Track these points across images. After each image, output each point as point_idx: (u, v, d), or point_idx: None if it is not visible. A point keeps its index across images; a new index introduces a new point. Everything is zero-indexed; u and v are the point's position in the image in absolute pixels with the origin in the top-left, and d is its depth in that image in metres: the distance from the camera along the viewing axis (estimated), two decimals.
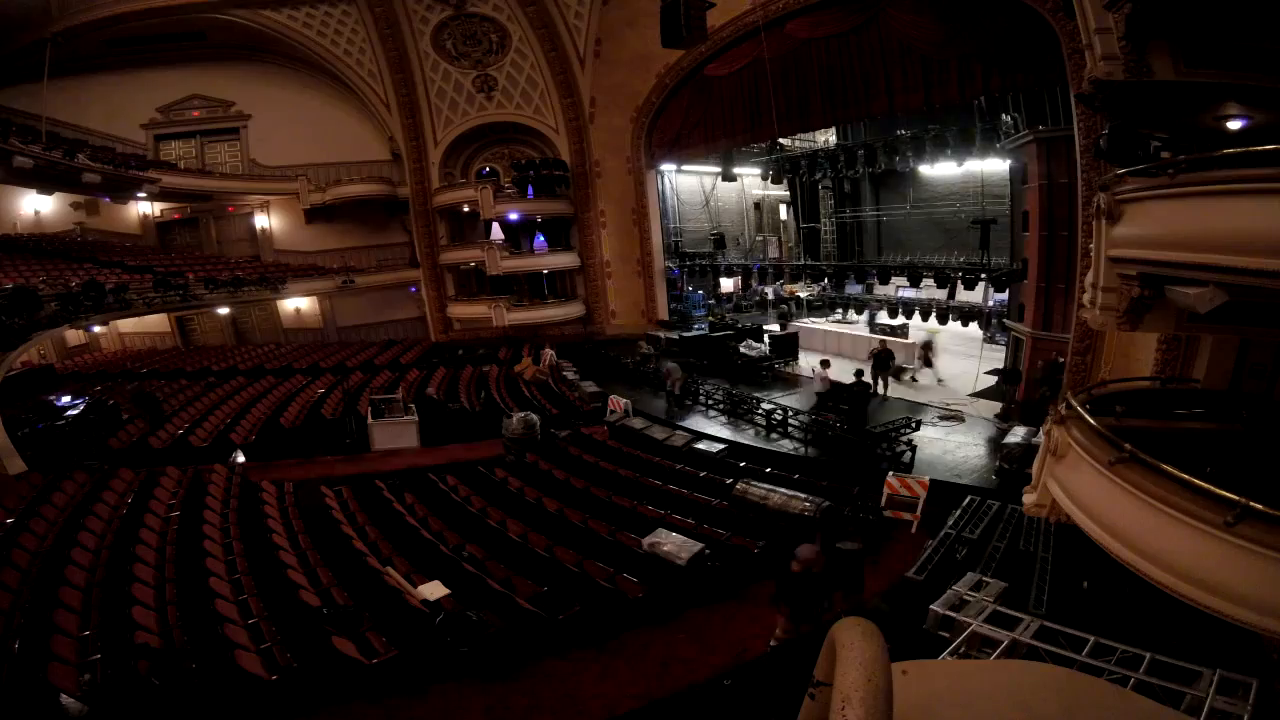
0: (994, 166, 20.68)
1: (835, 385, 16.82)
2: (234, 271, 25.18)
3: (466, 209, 27.77)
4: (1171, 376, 9.08)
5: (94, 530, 10.15)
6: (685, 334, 23.62)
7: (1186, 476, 4.55)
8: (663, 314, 27.59)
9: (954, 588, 7.73)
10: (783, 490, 11.40)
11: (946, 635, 7.02)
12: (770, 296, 30.73)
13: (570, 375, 22.04)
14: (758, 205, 33.18)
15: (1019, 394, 15.95)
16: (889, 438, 13.63)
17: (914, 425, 14.27)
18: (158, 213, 27.15)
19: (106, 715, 6.38)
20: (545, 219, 27.80)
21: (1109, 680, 5.53)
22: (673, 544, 9.72)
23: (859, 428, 14.29)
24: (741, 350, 21.74)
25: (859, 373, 16.31)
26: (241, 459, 15.21)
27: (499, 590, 8.81)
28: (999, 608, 7.16)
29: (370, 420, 16.88)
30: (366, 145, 28.17)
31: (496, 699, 7.32)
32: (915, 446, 13.48)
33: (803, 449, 14.68)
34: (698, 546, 9.62)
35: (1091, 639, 6.37)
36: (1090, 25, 8.93)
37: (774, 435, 15.64)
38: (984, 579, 7.95)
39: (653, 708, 7.17)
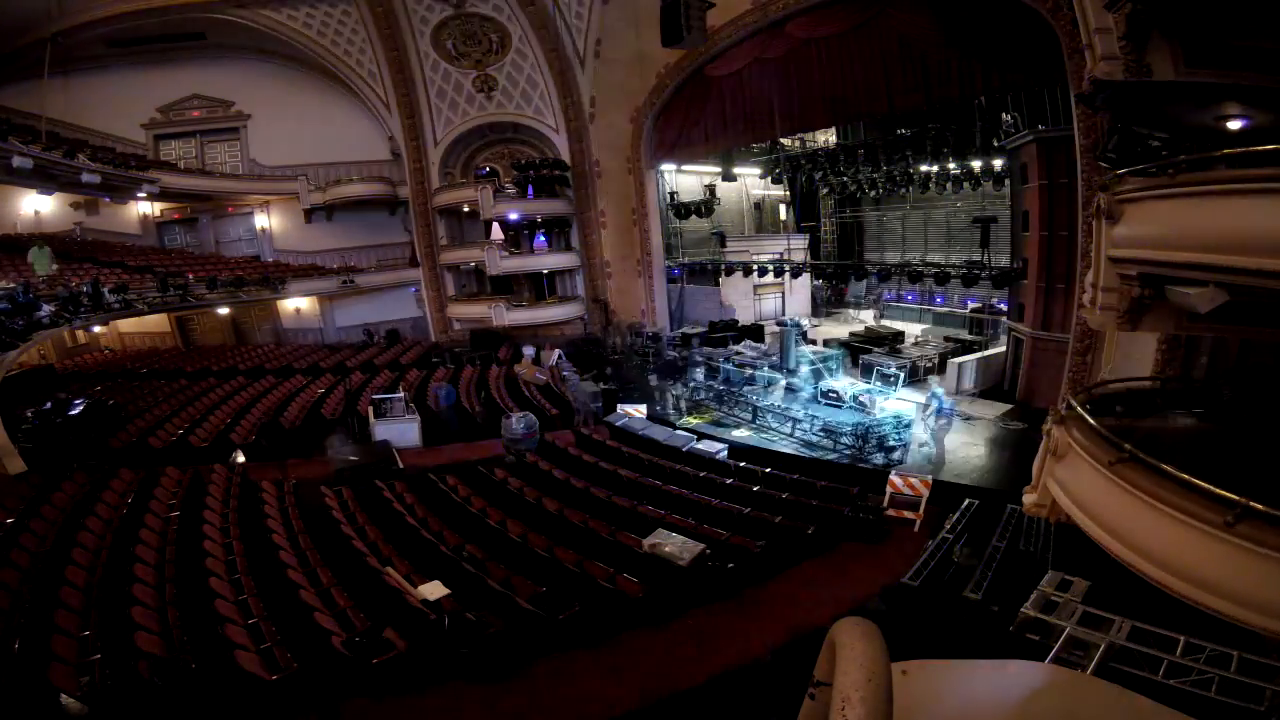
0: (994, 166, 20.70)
1: None
2: (234, 271, 25.17)
3: (466, 209, 27.76)
4: (1172, 376, 9.08)
5: (94, 530, 10.14)
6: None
7: (1186, 476, 4.56)
8: (662, 314, 27.51)
9: (1040, 588, 7.62)
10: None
11: (1035, 638, 6.95)
12: None
13: (570, 375, 22.04)
14: (758, 205, 33.20)
15: (1019, 392, 15.98)
16: (881, 434, 13.74)
17: (906, 423, 14.36)
18: (158, 212, 27.14)
19: (106, 715, 6.38)
20: (545, 219, 27.79)
21: (1199, 679, 5.53)
22: (674, 545, 9.73)
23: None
24: (740, 350, 21.76)
25: None
26: (241, 459, 15.21)
27: (499, 590, 8.81)
28: (1088, 608, 7.06)
29: (371, 420, 16.88)
30: (366, 145, 28.15)
31: (496, 699, 7.32)
32: (907, 444, 13.59)
33: (800, 447, 14.71)
34: (699, 547, 9.62)
35: (1182, 639, 6.32)
36: (1090, 25, 8.93)
37: (770, 431, 15.67)
38: (1067, 578, 7.83)
39: (653, 708, 7.17)
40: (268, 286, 25.48)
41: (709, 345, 22.88)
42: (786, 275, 24.21)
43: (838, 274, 25.33)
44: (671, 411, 18.22)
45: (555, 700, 7.32)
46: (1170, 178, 5.63)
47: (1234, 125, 7.52)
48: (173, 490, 12.39)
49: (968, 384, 18.06)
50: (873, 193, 25.95)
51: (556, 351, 24.38)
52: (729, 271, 26.15)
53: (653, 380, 21.24)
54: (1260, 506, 4.11)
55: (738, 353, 21.39)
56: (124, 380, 21.06)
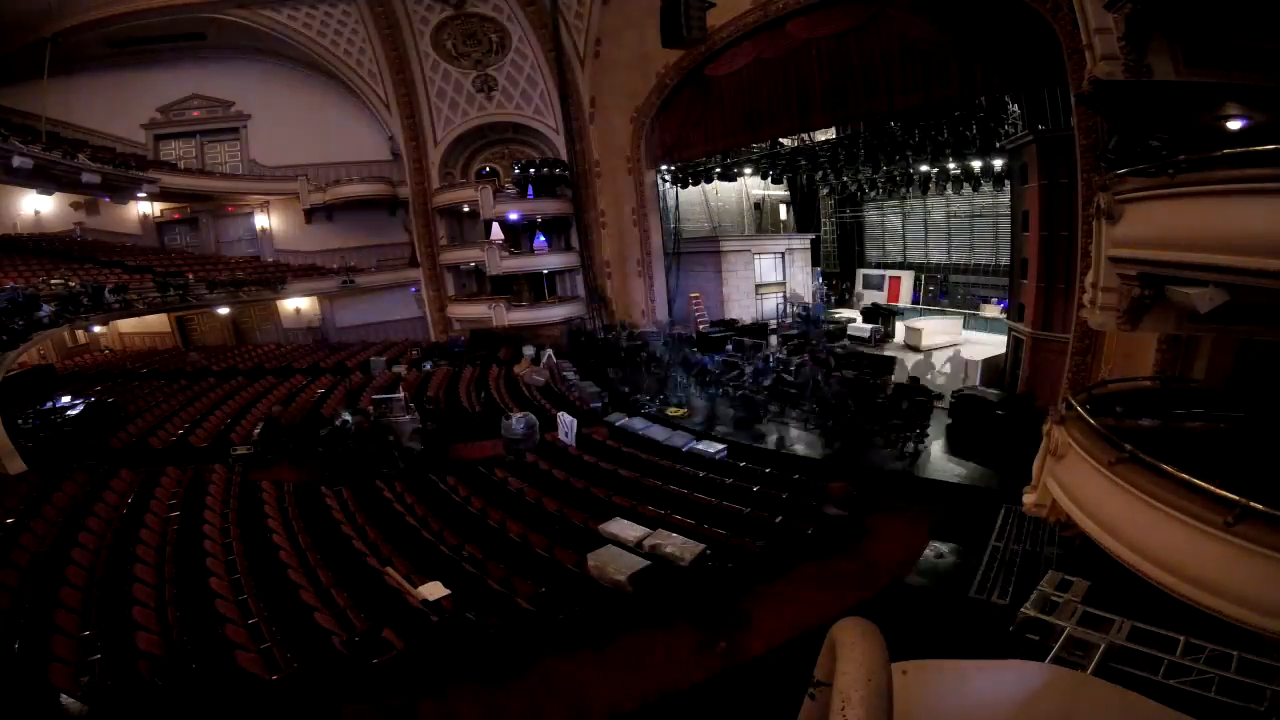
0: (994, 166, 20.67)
1: None
2: (234, 271, 25.17)
3: (466, 209, 27.75)
4: (1172, 376, 9.08)
5: (94, 530, 10.15)
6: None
7: (1186, 477, 4.56)
8: (662, 313, 27.47)
9: (1040, 587, 7.57)
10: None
11: (1035, 638, 6.90)
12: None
13: (570, 375, 22.04)
14: (758, 205, 33.17)
15: (1019, 392, 15.97)
16: (897, 427, 13.41)
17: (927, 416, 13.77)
18: (158, 213, 27.12)
19: (106, 715, 6.38)
20: (545, 219, 27.78)
21: (1199, 679, 5.52)
22: (674, 545, 9.72)
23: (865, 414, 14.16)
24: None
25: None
26: None
27: (499, 590, 8.81)
28: (1088, 608, 7.00)
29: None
30: (366, 145, 28.13)
31: (495, 699, 7.32)
32: (927, 437, 13.06)
33: (810, 449, 14.70)
34: (700, 547, 9.62)
35: (1182, 639, 6.28)
36: (1090, 25, 8.94)
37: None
38: (1067, 578, 7.76)
39: (652, 707, 7.17)
40: (268, 286, 25.49)
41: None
42: (788, 273, 24.21)
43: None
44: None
45: (555, 700, 7.32)
46: (1170, 178, 5.63)
47: (1234, 125, 7.52)
48: (173, 490, 12.39)
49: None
50: (873, 193, 25.88)
51: (548, 352, 24.38)
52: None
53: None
54: (1260, 506, 4.11)
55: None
56: (124, 380, 21.06)
